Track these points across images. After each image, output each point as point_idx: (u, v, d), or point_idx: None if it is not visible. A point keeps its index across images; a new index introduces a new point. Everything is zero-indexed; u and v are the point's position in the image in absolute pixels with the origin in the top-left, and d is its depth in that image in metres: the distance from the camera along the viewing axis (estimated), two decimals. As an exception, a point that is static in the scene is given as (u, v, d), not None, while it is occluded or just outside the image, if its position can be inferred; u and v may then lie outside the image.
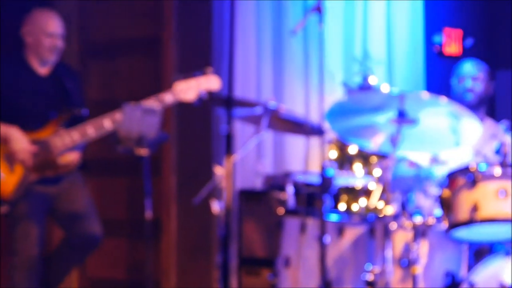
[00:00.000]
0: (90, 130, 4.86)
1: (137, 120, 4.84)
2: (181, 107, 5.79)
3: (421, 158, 5.06)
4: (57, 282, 5.20)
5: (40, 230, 4.99)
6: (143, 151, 4.82)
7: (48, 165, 4.90)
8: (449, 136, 4.38)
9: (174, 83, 4.83)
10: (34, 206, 4.93)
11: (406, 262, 4.33)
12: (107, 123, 4.84)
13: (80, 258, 5.21)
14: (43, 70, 5.06)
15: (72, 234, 5.10)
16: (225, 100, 3.79)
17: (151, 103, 4.79)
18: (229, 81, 3.45)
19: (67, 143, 4.87)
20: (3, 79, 4.96)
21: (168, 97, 4.83)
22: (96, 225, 5.12)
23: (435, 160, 5.07)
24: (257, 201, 5.67)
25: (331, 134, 5.68)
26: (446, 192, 4.35)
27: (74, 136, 4.86)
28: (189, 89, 4.82)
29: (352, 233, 4.49)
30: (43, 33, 5.00)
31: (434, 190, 4.61)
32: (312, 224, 4.48)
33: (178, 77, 4.81)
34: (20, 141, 4.83)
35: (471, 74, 5.29)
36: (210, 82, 4.86)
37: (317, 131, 4.61)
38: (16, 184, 4.87)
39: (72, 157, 4.95)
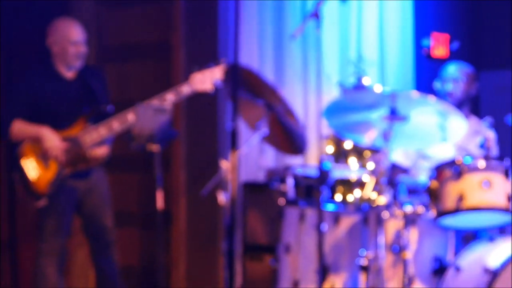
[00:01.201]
0: (116, 124, 4.90)
1: (148, 119, 4.87)
2: (190, 106, 5.83)
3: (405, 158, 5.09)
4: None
5: (68, 220, 5.06)
6: (155, 147, 4.85)
7: (79, 160, 4.96)
8: (437, 132, 4.39)
9: (190, 75, 4.86)
10: (65, 199, 4.99)
11: (397, 248, 4.33)
12: (130, 116, 4.88)
13: (107, 256, 5.25)
14: (69, 74, 5.10)
15: (90, 226, 5.17)
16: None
17: (169, 96, 4.83)
18: (233, 82, 3.47)
19: (95, 138, 4.93)
20: (35, 86, 5.02)
21: (185, 89, 4.87)
22: (109, 218, 5.19)
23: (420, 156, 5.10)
24: (260, 192, 5.68)
25: (328, 130, 5.72)
26: (434, 183, 4.37)
27: (101, 131, 4.92)
28: (205, 80, 4.85)
29: (347, 221, 4.50)
30: (68, 42, 5.03)
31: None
32: (310, 213, 4.50)
33: (194, 68, 4.83)
34: (52, 139, 4.88)
35: (453, 77, 5.28)
36: (223, 72, 4.89)
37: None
38: (51, 179, 4.92)
39: (102, 151, 5.01)
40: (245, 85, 4.38)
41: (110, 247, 5.22)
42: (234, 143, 3.43)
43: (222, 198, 4.69)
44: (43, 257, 5.06)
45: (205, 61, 5.94)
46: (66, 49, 5.04)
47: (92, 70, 5.24)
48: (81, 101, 5.04)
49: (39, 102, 4.99)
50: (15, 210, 6.37)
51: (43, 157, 4.91)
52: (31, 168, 4.90)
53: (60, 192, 4.94)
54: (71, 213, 5.08)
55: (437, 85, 5.34)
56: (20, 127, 4.92)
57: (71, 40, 5.04)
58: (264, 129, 4.73)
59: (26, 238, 6.40)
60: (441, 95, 5.27)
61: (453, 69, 5.31)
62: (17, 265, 6.34)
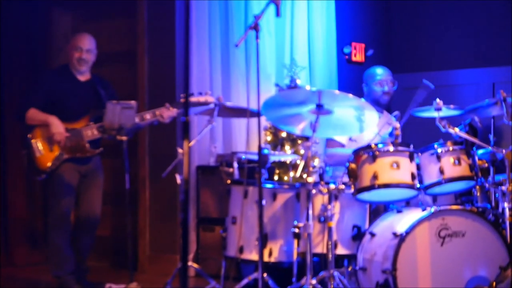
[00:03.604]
0: None
1: (117, 114, 4.81)
2: (152, 105, 5.75)
3: (342, 138, 5.10)
4: (82, 261, 5.22)
5: (71, 198, 5.06)
6: (123, 138, 4.79)
7: (78, 149, 4.97)
8: (355, 123, 4.39)
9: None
10: (67, 177, 5.00)
11: (323, 219, 4.32)
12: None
13: (89, 235, 5.20)
14: (82, 78, 5.15)
15: (81, 205, 5.14)
16: (184, 101, 3.74)
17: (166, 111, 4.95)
18: (186, 84, 3.41)
19: (95, 134, 4.98)
20: (53, 83, 5.05)
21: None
22: (98, 202, 5.19)
23: (351, 140, 5.10)
24: (211, 174, 5.66)
25: (266, 122, 5.70)
26: (353, 165, 4.36)
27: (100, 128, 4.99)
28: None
29: (283, 197, 4.48)
30: (74, 48, 5.11)
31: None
32: (252, 191, 4.47)
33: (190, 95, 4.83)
34: (57, 126, 4.91)
35: (388, 79, 5.26)
36: (208, 99, 4.86)
37: (255, 114, 4.62)
38: (53, 160, 4.94)
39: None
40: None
41: (93, 229, 5.19)
42: (186, 134, 3.37)
43: (179, 179, 4.66)
44: (52, 230, 5.04)
45: (165, 67, 5.89)
46: (72, 54, 5.09)
47: (103, 81, 5.25)
48: (88, 101, 5.05)
49: (54, 97, 5.02)
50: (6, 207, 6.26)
51: (49, 141, 4.93)
52: (38, 148, 4.93)
53: (62, 171, 4.96)
54: (73, 192, 5.07)
55: (372, 85, 5.27)
56: (34, 113, 4.95)
57: (76, 47, 5.09)
58: (214, 122, 4.76)
59: (18, 237, 6.29)
60: (376, 94, 5.23)
61: (386, 73, 5.27)
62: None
